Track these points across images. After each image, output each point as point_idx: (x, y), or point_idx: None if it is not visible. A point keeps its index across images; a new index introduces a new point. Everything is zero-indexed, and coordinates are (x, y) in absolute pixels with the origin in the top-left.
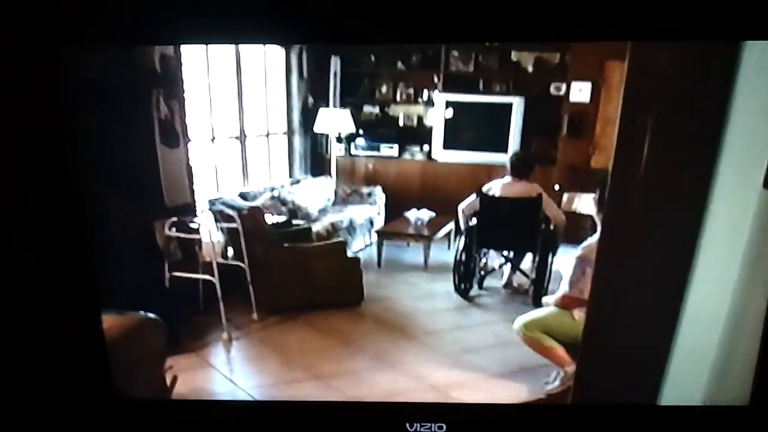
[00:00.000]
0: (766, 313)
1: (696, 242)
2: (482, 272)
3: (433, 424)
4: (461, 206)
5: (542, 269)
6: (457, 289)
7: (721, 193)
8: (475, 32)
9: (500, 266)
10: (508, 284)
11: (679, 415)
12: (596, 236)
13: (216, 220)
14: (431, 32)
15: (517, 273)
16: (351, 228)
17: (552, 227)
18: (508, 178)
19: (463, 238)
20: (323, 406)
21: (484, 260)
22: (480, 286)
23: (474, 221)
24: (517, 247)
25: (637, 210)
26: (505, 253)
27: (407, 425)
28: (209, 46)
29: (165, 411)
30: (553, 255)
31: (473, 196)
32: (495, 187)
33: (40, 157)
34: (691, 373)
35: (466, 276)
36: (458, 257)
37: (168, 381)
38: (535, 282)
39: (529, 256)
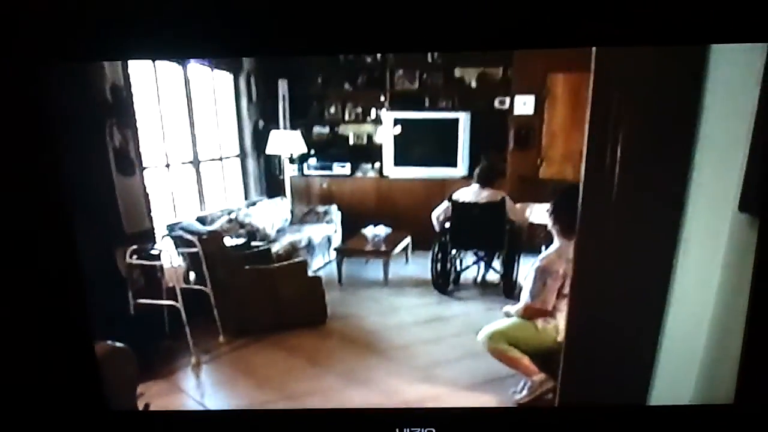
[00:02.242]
0: (747, 312)
1: (676, 244)
2: (457, 270)
3: (422, 429)
4: (434, 213)
5: (510, 264)
6: (435, 284)
7: (698, 193)
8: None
9: (474, 263)
10: (481, 281)
11: (665, 414)
12: (553, 247)
13: (176, 246)
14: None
15: (490, 270)
16: (309, 247)
17: (516, 228)
18: (475, 186)
19: (438, 241)
20: (316, 413)
21: (458, 260)
22: (455, 283)
23: (447, 225)
24: (486, 246)
25: (614, 213)
26: (479, 252)
27: (397, 431)
28: (158, 73)
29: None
30: (519, 252)
31: (445, 203)
32: (464, 194)
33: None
34: (679, 373)
35: (443, 273)
36: (434, 257)
37: (140, 408)
38: (504, 276)
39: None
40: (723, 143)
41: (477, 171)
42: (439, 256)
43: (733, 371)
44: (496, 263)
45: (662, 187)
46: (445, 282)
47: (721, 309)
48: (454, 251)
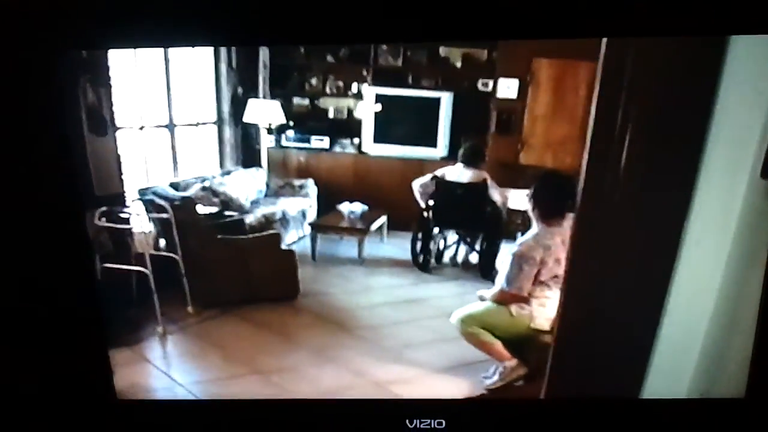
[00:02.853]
0: (760, 305)
1: (681, 232)
2: (439, 249)
3: (432, 421)
4: (415, 183)
5: (490, 246)
6: (416, 262)
7: (707, 181)
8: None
9: (455, 243)
10: (463, 261)
11: (673, 407)
12: (531, 232)
13: (147, 211)
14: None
15: (472, 252)
16: (284, 220)
17: (498, 210)
18: (459, 165)
19: (420, 219)
20: (325, 404)
21: (441, 239)
22: (438, 261)
23: (431, 203)
24: (467, 226)
25: (617, 200)
26: (460, 232)
27: (407, 422)
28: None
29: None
30: (500, 234)
31: (428, 176)
32: (448, 173)
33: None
34: (676, 366)
35: (424, 251)
36: (415, 235)
37: None
38: (482, 257)
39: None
40: (743, 109)
41: (462, 150)
42: (420, 234)
43: (739, 365)
44: (479, 245)
45: (670, 175)
46: (425, 260)
47: (727, 300)
48: (436, 229)
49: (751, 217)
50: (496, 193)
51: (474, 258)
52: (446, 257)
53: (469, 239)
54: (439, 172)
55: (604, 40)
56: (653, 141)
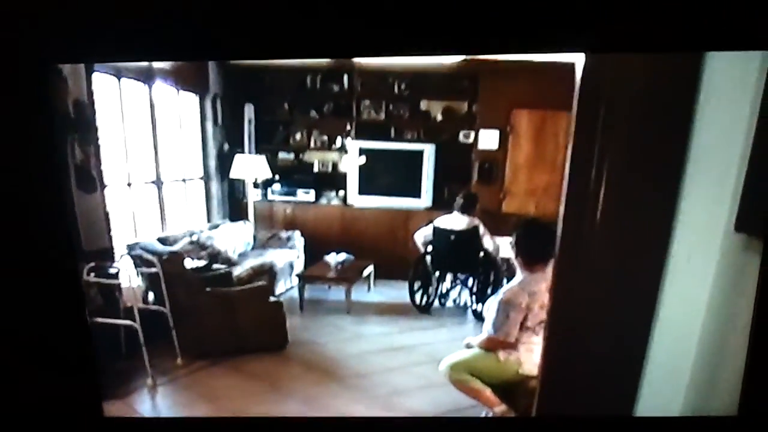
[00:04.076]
0: (752, 321)
1: (666, 257)
2: (438, 292)
3: None
4: (417, 234)
5: (484, 290)
6: (414, 304)
7: (688, 213)
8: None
9: (452, 285)
10: (464, 305)
11: (666, 426)
12: (516, 279)
13: (136, 265)
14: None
15: (467, 292)
16: (272, 272)
17: (491, 256)
18: (456, 213)
19: (419, 263)
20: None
21: (438, 282)
22: (441, 303)
23: (429, 248)
24: (461, 269)
25: (600, 232)
26: (459, 276)
27: None
28: (122, 91)
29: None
30: (496, 274)
31: (429, 226)
32: (445, 221)
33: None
34: (667, 386)
35: (424, 293)
36: (413, 277)
37: None
38: (477, 296)
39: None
40: (716, 160)
41: (458, 200)
42: (419, 277)
43: (729, 383)
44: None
45: (651, 206)
46: (428, 302)
47: (711, 332)
48: (437, 273)
49: (727, 264)
50: (488, 241)
51: (466, 298)
52: (450, 301)
53: (467, 282)
54: (436, 221)
55: (576, 90)
56: (629, 186)
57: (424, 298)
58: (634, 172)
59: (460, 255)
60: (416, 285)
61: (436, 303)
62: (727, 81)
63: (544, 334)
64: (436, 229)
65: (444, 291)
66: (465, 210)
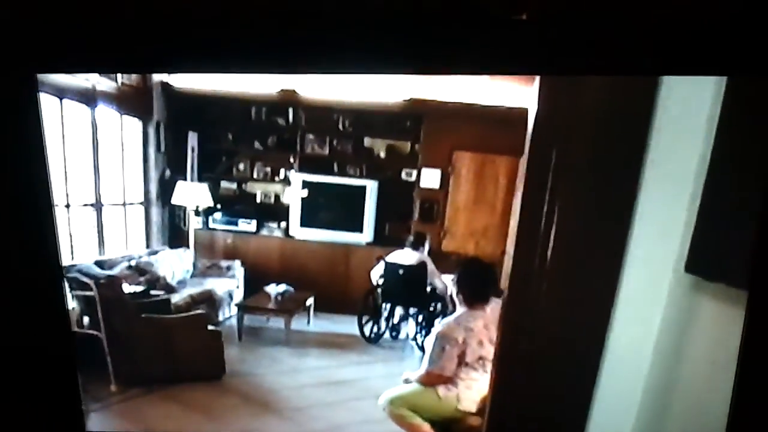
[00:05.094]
0: (738, 360)
1: (615, 296)
2: (388, 323)
3: None
4: (373, 271)
5: (431, 320)
6: (363, 335)
7: (633, 267)
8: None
9: (400, 318)
10: (409, 336)
11: None
12: (455, 314)
13: (71, 288)
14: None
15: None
16: (211, 301)
17: (438, 292)
18: (407, 250)
19: (370, 295)
20: None
21: (386, 314)
22: (391, 335)
23: (380, 281)
24: (409, 303)
25: (548, 274)
26: (409, 309)
27: None
28: (63, 112)
29: None
30: (443, 309)
31: (381, 263)
32: (395, 257)
33: None
34: (614, 425)
35: (373, 325)
36: (363, 310)
37: None
38: (425, 330)
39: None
40: (666, 199)
41: (409, 237)
42: (368, 309)
43: None
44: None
45: (601, 245)
46: (376, 334)
47: (658, 374)
48: (386, 305)
49: (676, 305)
50: (436, 279)
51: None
52: (402, 333)
53: (416, 317)
54: (388, 257)
55: (528, 135)
56: (580, 224)
57: (374, 329)
58: (585, 211)
59: (408, 289)
60: (365, 317)
61: (387, 335)
62: (679, 118)
63: (492, 369)
64: (387, 264)
65: (395, 323)
66: (415, 247)
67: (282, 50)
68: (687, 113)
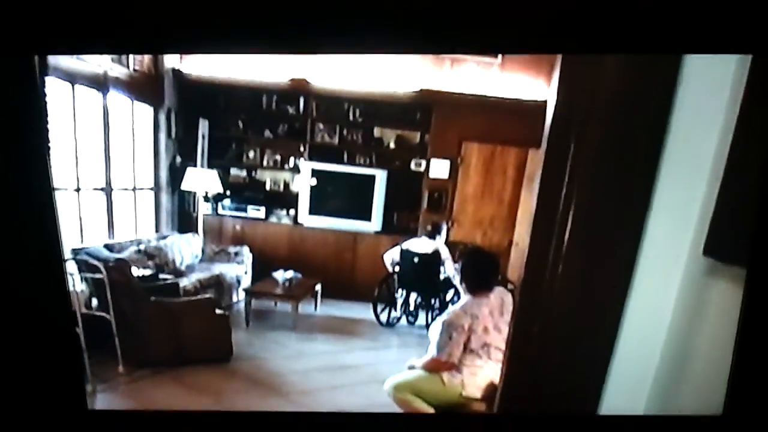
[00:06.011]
0: (739, 319)
1: (631, 278)
2: (404, 309)
3: None
4: (386, 255)
5: (444, 307)
6: (378, 320)
7: (649, 252)
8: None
9: (417, 305)
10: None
11: (648, 425)
12: (460, 302)
13: (80, 270)
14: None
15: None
16: (219, 285)
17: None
18: (423, 238)
19: (385, 281)
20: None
21: (401, 299)
22: (408, 321)
23: (396, 268)
24: (424, 288)
25: (565, 247)
26: (425, 296)
27: None
28: (75, 96)
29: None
30: (456, 295)
31: (396, 248)
32: (411, 244)
33: None
34: (632, 386)
35: (390, 310)
36: (378, 296)
37: None
38: (435, 313)
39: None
40: (685, 183)
41: (427, 226)
42: (384, 296)
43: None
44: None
45: (618, 227)
46: (391, 318)
47: (671, 354)
48: (401, 291)
49: (689, 292)
50: (449, 266)
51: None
52: (420, 319)
53: (430, 302)
54: (404, 244)
55: (548, 123)
56: (597, 208)
57: (391, 313)
58: (603, 194)
59: (422, 276)
60: (380, 304)
61: (403, 320)
62: (700, 101)
63: (505, 347)
64: (402, 251)
65: (411, 309)
66: (431, 236)
67: (291, 28)
68: (708, 96)
